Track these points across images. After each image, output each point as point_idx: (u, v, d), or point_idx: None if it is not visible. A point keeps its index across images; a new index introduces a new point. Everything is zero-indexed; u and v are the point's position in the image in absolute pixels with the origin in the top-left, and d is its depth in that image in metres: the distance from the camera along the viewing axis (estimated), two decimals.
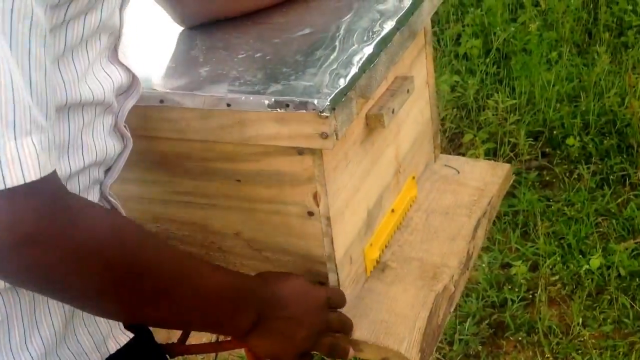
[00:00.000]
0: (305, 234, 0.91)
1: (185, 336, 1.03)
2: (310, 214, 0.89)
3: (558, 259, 2.16)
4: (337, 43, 0.92)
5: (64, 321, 0.80)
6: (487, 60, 2.89)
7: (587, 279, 2.10)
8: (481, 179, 1.22)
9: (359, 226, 0.99)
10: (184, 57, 0.96)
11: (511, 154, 2.54)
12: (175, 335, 1.03)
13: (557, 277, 2.13)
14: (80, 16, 0.74)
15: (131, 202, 0.99)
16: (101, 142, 0.81)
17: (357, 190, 0.98)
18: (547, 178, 2.48)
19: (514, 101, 2.67)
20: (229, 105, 0.85)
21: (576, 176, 2.43)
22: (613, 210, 2.28)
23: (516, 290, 2.10)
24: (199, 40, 1.00)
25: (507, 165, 1.26)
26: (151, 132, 0.90)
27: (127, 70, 0.83)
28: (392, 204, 1.09)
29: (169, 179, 0.95)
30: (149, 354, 0.93)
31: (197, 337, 1.13)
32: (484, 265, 2.15)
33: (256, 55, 0.92)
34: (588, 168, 2.43)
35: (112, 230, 0.70)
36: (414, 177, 1.16)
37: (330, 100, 0.81)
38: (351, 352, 0.93)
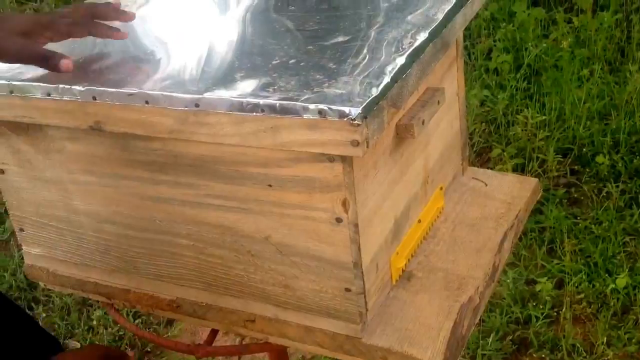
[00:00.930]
0: (333, 240, 0.92)
1: (212, 337, 1.05)
2: (339, 220, 0.91)
3: (584, 277, 2.15)
4: (369, 52, 0.94)
5: None
6: (518, 75, 2.89)
7: (613, 298, 2.08)
8: (509, 193, 1.22)
9: (385, 234, 1.00)
10: (220, 62, 0.98)
11: (539, 170, 2.53)
12: (201, 337, 1.04)
13: (582, 295, 2.12)
14: None
15: (163, 204, 1.01)
16: None
17: (385, 199, 0.99)
18: (575, 195, 2.46)
19: (544, 117, 2.66)
20: (262, 111, 0.86)
21: (605, 194, 2.41)
22: None
23: (541, 307, 2.09)
24: (235, 45, 1.02)
25: (535, 180, 1.26)
26: (186, 136, 0.92)
27: None
28: (419, 214, 1.10)
29: (201, 182, 0.96)
30: None
31: (222, 339, 1.15)
32: (508, 280, 2.14)
33: (290, 62, 0.94)
34: (617, 186, 2.41)
35: None
36: (441, 188, 1.17)
37: (362, 108, 0.82)
38: None
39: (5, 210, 2.68)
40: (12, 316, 1.19)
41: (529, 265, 2.21)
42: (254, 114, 0.87)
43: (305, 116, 0.84)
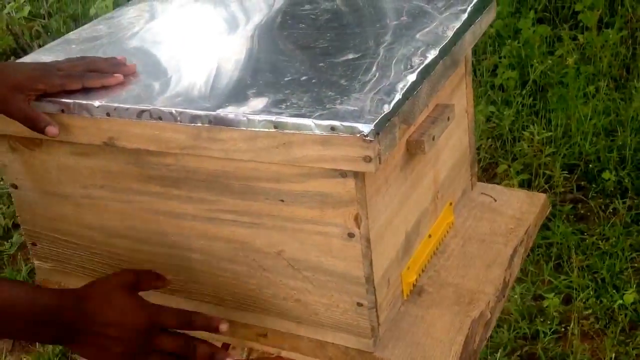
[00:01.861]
0: (345, 255, 0.93)
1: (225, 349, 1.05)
2: (351, 235, 0.91)
3: (591, 292, 2.15)
4: (379, 69, 0.95)
5: None
6: (524, 92, 2.90)
7: (621, 314, 2.08)
8: (518, 208, 1.23)
9: (397, 249, 1.01)
10: (232, 79, 1.00)
11: (546, 186, 2.54)
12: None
13: (590, 311, 2.11)
14: None
15: (175, 219, 1.02)
16: None
17: (396, 214, 1.00)
18: (582, 211, 2.46)
19: (550, 133, 2.67)
20: (276, 127, 0.87)
21: (611, 210, 2.42)
22: None
23: (548, 322, 2.09)
24: (246, 62, 1.04)
25: (544, 196, 1.27)
26: (200, 152, 0.93)
27: None
28: (429, 229, 1.10)
29: (214, 197, 0.97)
30: None
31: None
32: (516, 296, 2.14)
33: (302, 79, 0.95)
34: (624, 202, 2.41)
35: None
36: (451, 204, 1.17)
37: (375, 125, 0.83)
38: None
39: (13, 225, 2.71)
40: None
41: (536, 280, 2.21)
42: (267, 130, 0.88)
43: (317, 132, 0.85)
